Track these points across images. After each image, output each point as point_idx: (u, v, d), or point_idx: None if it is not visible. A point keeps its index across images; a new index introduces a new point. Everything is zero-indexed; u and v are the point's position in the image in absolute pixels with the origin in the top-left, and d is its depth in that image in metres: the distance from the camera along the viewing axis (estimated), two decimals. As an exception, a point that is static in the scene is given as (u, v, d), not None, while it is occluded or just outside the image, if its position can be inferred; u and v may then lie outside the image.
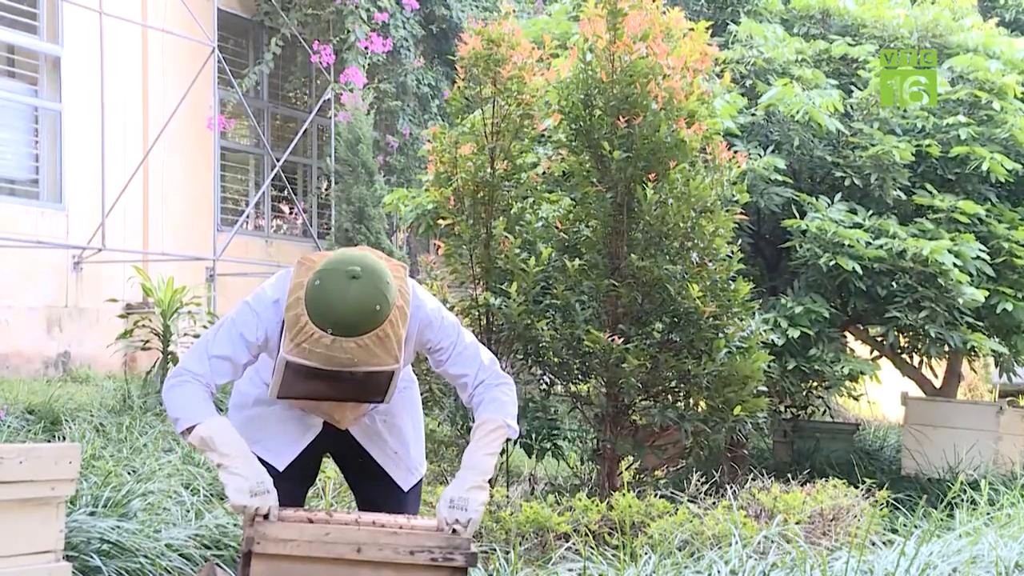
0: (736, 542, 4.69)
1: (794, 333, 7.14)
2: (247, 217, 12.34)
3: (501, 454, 5.28)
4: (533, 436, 6.49)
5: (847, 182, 7.64)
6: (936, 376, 9.67)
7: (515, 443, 6.37)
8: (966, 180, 8.07)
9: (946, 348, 7.69)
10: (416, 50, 12.61)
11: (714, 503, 5.60)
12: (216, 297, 10.57)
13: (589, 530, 5.18)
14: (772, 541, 4.93)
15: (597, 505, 5.33)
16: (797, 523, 5.28)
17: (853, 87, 8.19)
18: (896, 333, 7.85)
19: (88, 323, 10.32)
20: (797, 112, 7.46)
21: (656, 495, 5.56)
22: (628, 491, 5.45)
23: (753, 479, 6.22)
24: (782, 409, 8.47)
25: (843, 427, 9.74)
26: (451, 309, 5.79)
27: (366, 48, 11.65)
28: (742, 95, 7.64)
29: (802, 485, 5.99)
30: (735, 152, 6.22)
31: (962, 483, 5.84)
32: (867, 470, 7.88)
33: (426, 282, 6.20)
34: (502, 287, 5.97)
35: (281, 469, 3.30)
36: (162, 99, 11.03)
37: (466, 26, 8.44)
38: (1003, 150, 7.95)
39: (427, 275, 6.48)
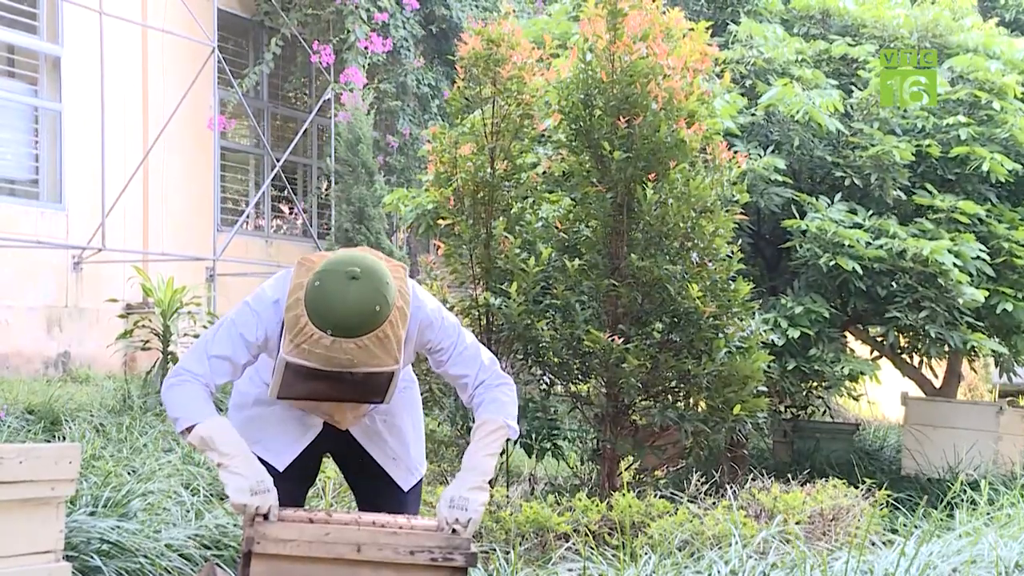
0: (736, 542, 4.69)
1: (794, 333, 7.14)
2: (247, 217, 12.34)
3: (501, 454, 5.26)
4: (533, 436, 6.49)
5: (847, 182, 7.64)
6: (936, 376, 9.67)
7: (515, 443, 6.37)
8: (966, 180, 8.07)
9: (946, 348, 7.69)
10: (416, 50, 12.61)
11: (714, 503, 5.60)
12: (216, 297, 10.57)
13: (589, 530, 5.18)
14: (772, 541, 4.93)
15: (597, 505, 5.33)
16: (797, 523, 5.28)
17: (853, 87, 8.19)
18: (896, 333, 7.85)
19: (88, 323, 10.33)
20: (797, 112, 7.46)
21: (656, 495, 5.56)
22: (628, 491, 5.45)
23: (753, 479, 6.21)
24: (782, 409, 8.47)
25: (843, 427, 9.73)
26: (451, 309, 5.79)
27: (366, 48, 11.65)
28: (742, 95, 7.64)
29: (802, 485, 5.99)
30: (735, 152, 6.22)
31: (962, 483, 5.85)
32: (867, 470, 7.88)
33: (426, 282, 6.19)
34: (502, 287, 5.97)
35: (281, 469, 3.30)
36: (162, 99, 11.04)
37: (466, 26, 8.44)
38: (1003, 150, 7.95)
39: (427, 275, 6.48)
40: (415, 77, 12.53)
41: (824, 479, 6.11)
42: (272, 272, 3.84)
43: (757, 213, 7.72)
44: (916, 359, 8.74)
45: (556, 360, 6.07)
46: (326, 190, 13.09)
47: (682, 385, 5.97)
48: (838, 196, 7.61)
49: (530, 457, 6.69)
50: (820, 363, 7.53)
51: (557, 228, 6.07)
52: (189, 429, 3.08)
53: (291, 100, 13.32)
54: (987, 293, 7.50)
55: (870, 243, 7.29)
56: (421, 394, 3.68)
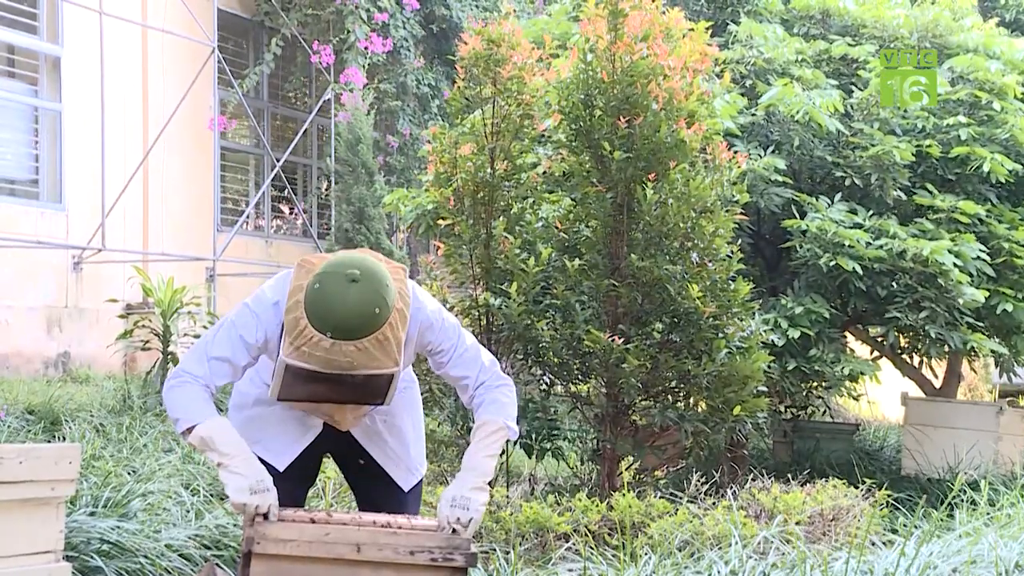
0: (736, 542, 4.69)
1: (794, 333, 7.14)
2: (247, 217, 12.34)
3: (501, 455, 5.27)
4: (533, 436, 6.49)
5: (847, 182, 7.64)
6: (936, 376, 9.67)
7: (515, 443, 6.36)
8: (966, 180, 8.07)
9: (946, 348, 7.68)
10: (416, 50, 12.61)
11: (714, 503, 5.60)
12: (216, 297, 10.57)
13: (589, 530, 5.17)
14: (772, 541, 4.93)
15: (597, 505, 5.33)
16: (797, 523, 5.28)
17: (853, 87, 8.19)
18: (896, 333, 7.85)
19: (88, 323, 10.33)
20: (797, 112, 7.46)
21: (656, 495, 5.56)
22: (628, 491, 5.45)
23: (753, 479, 6.21)
24: (782, 409, 8.47)
25: (843, 427, 9.73)
26: (451, 309, 5.79)
27: (366, 48, 11.65)
28: (742, 95, 7.64)
29: (802, 485, 5.99)
30: (735, 152, 6.22)
31: (962, 483, 5.84)
32: (867, 470, 7.88)
33: (426, 282, 6.19)
34: (502, 287, 5.97)
35: (281, 469, 3.30)
36: (162, 99, 11.04)
37: (466, 26, 8.44)
38: (1003, 150, 7.95)
39: (427, 275, 6.48)
40: (415, 77, 12.53)
41: (824, 479, 6.10)
42: (272, 272, 3.84)
43: (757, 213, 7.72)
44: (916, 359, 8.74)
45: (556, 360, 6.07)
46: (326, 190, 13.09)
47: (682, 385, 5.97)
48: (838, 196, 7.61)
49: (530, 457, 6.69)
50: (820, 363, 7.53)
51: (557, 228, 6.07)
52: (190, 430, 3.08)
53: (291, 100, 13.32)
54: (987, 293, 7.50)
55: (870, 243, 7.29)
56: (421, 394, 3.68)
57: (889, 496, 6.12)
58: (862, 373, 7.85)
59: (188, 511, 5.08)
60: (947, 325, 7.39)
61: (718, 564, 4.48)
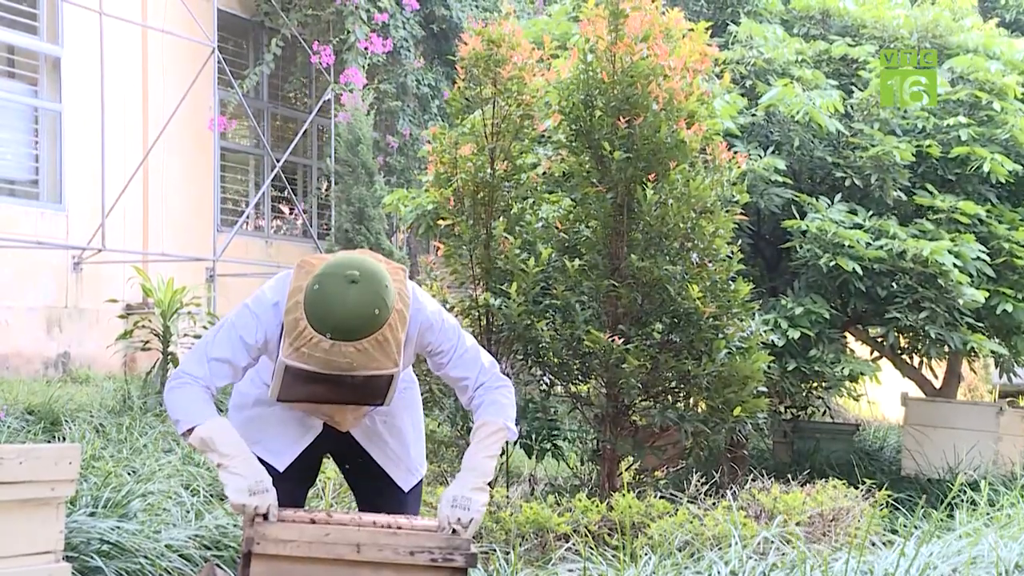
0: (736, 543, 4.69)
1: (794, 334, 7.14)
2: (247, 218, 12.34)
3: (501, 455, 5.27)
4: (533, 437, 6.49)
5: (847, 183, 7.64)
6: (936, 377, 9.67)
7: (515, 444, 6.36)
8: (966, 181, 8.07)
9: (946, 349, 7.68)
10: (416, 50, 12.61)
11: (714, 504, 5.60)
12: (216, 298, 10.57)
13: (589, 531, 5.17)
14: (772, 542, 4.93)
15: (597, 506, 5.33)
16: (797, 524, 5.28)
17: (853, 88, 8.18)
18: (896, 334, 7.85)
19: (88, 324, 10.33)
20: (797, 113, 7.46)
21: (656, 496, 5.56)
22: (628, 492, 5.45)
23: (753, 480, 6.21)
24: (782, 410, 8.46)
25: (843, 428, 9.73)
26: (451, 310, 5.79)
27: (366, 48, 11.65)
28: (742, 95, 7.64)
29: (802, 486, 5.99)
30: (735, 153, 6.22)
31: (962, 484, 5.84)
32: (867, 471, 7.88)
33: (426, 283, 6.19)
34: (502, 288, 5.97)
35: (281, 470, 3.30)
36: (162, 99, 11.04)
37: (466, 26, 8.44)
38: (1003, 151, 7.95)
39: (427, 276, 6.48)
40: (415, 77, 12.53)
41: (824, 480, 6.10)
42: (272, 273, 3.84)
43: (757, 213, 7.72)
44: (916, 360, 8.73)
45: (556, 360, 6.07)
46: (326, 191, 13.09)
47: (682, 386, 5.97)
48: (838, 197, 7.61)
49: (530, 458, 6.69)
50: (820, 364, 7.53)
51: (557, 228, 6.07)
52: (190, 431, 3.08)
53: (291, 100, 13.32)
54: (987, 294, 7.50)
55: (870, 244, 7.28)
56: (421, 395, 3.68)
57: (889, 496, 6.12)
58: (862, 373, 7.85)
59: (188, 512, 5.08)
60: (947, 325, 7.39)
61: (718, 564, 4.48)
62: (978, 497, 5.95)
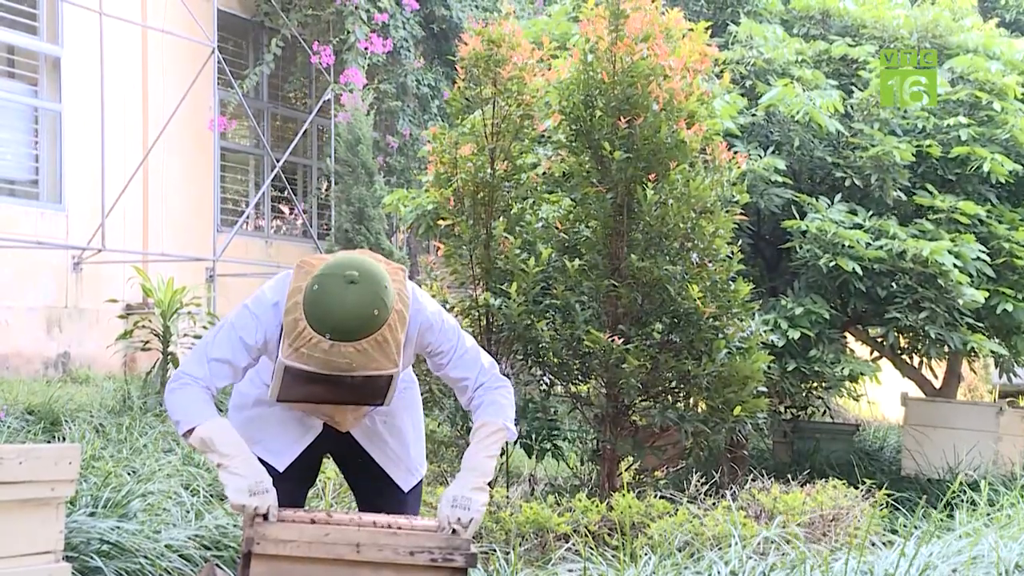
0: (736, 543, 4.69)
1: (794, 334, 7.14)
2: (247, 218, 12.34)
3: (501, 455, 5.28)
4: (533, 437, 6.49)
5: (847, 183, 7.64)
6: (936, 377, 9.67)
7: (515, 444, 6.37)
8: (966, 181, 8.07)
9: (946, 349, 7.68)
10: (416, 50, 12.61)
11: (714, 504, 5.60)
12: (216, 298, 10.58)
13: (589, 531, 5.17)
14: (772, 542, 4.93)
15: (597, 506, 5.33)
16: (797, 524, 5.28)
17: (853, 88, 8.18)
18: (896, 334, 7.85)
19: (88, 324, 10.33)
20: (797, 113, 7.46)
21: (656, 496, 5.56)
22: (628, 492, 5.45)
23: (753, 480, 6.21)
24: (782, 410, 8.46)
25: (843, 428, 9.73)
26: (451, 310, 5.79)
27: (366, 49, 11.65)
28: (742, 96, 7.64)
29: (802, 486, 5.99)
30: (735, 153, 6.22)
31: (962, 484, 5.84)
32: (867, 471, 7.88)
33: (426, 283, 6.19)
34: (502, 288, 5.97)
35: (281, 470, 3.30)
36: (162, 100, 11.04)
37: (466, 26, 8.43)
38: (1003, 151, 7.95)
39: (427, 276, 6.48)
40: (415, 77, 12.53)
41: (824, 480, 6.10)
42: (272, 273, 3.84)
43: (757, 214, 7.72)
44: (916, 360, 8.73)
45: (556, 360, 6.07)
46: (326, 191, 13.09)
47: (682, 386, 5.97)
48: (838, 197, 7.60)
49: (530, 458, 6.69)
50: (820, 364, 7.53)
51: (557, 228, 6.07)
52: (190, 431, 3.08)
53: (291, 101, 13.32)
54: (987, 294, 7.50)
55: (870, 244, 7.28)
56: (421, 395, 3.69)
57: (889, 496, 6.12)
58: (862, 374, 7.86)
59: (188, 512, 5.08)
60: (947, 325, 7.39)
61: (718, 564, 4.47)
62: (978, 497, 5.95)
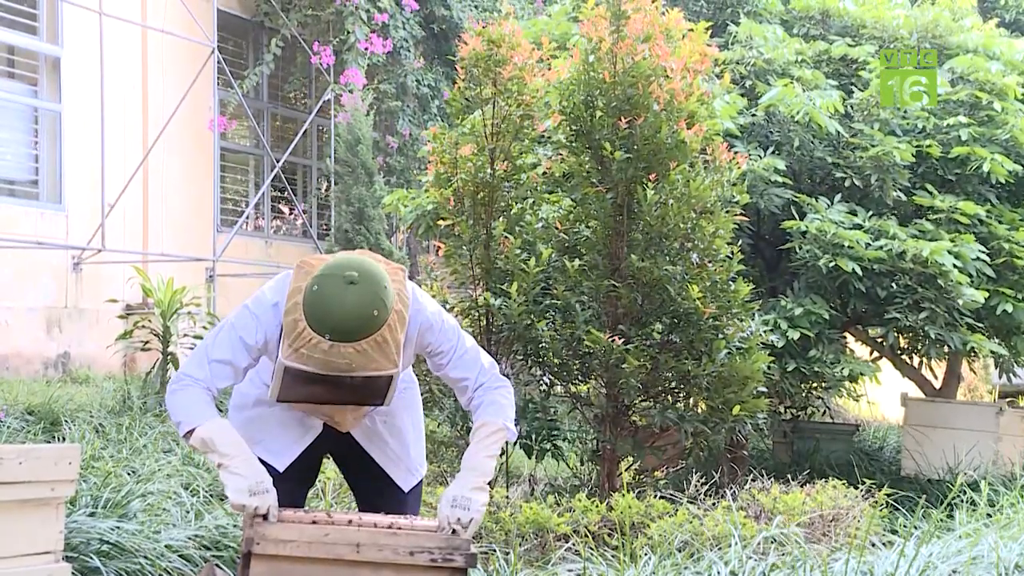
0: (736, 543, 4.69)
1: (794, 334, 7.14)
2: (247, 218, 12.34)
3: (500, 455, 5.28)
4: (533, 437, 6.49)
5: (847, 183, 7.64)
6: (936, 377, 9.67)
7: (515, 444, 6.36)
8: (966, 181, 8.07)
9: (946, 349, 7.68)
10: (416, 51, 12.61)
11: (714, 504, 5.60)
12: (216, 298, 10.57)
13: (589, 531, 5.17)
14: (772, 542, 4.93)
15: (597, 506, 5.33)
16: (797, 524, 5.28)
17: (853, 88, 8.18)
18: (896, 334, 7.85)
19: (88, 324, 10.32)
20: (797, 113, 7.46)
21: (656, 496, 5.55)
22: (628, 492, 5.45)
23: (753, 480, 6.21)
24: (782, 410, 8.46)
25: (843, 428, 9.73)
26: (451, 310, 5.79)
27: (366, 49, 11.65)
28: (742, 96, 7.64)
29: (802, 486, 5.99)
30: (735, 153, 6.22)
31: (962, 484, 5.84)
32: (867, 471, 7.88)
33: (426, 283, 6.19)
34: (502, 288, 5.97)
35: (281, 470, 3.30)
36: (162, 100, 11.04)
37: (466, 27, 8.44)
38: (1004, 151, 7.95)
39: (427, 276, 6.48)
40: (415, 78, 12.53)
41: (824, 480, 6.10)
42: (272, 273, 3.84)
43: (757, 214, 7.72)
44: (916, 360, 8.73)
45: (556, 361, 6.07)
46: (326, 191, 13.09)
47: (682, 386, 5.97)
48: (838, 197, 7.60)
49: (530, 458, 6.69)
50: (820, 364, 7.52)
51: (557, 229, 6.07)
52: (191, 432, 3.08)
53: (291, 101, 13.32)
54: (987, 294, 7.50)
55: (870, 244, 7.28)
56: (421, 395, 3.69)
57: (889, 497, 6.12)
58: (862, 374, 7.85)
59: (188, 512, 5.08)
60: (947, 326, 7.39)
61: (718, 565, 4.47)
62: (978, 497, 5.95)
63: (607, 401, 5.98)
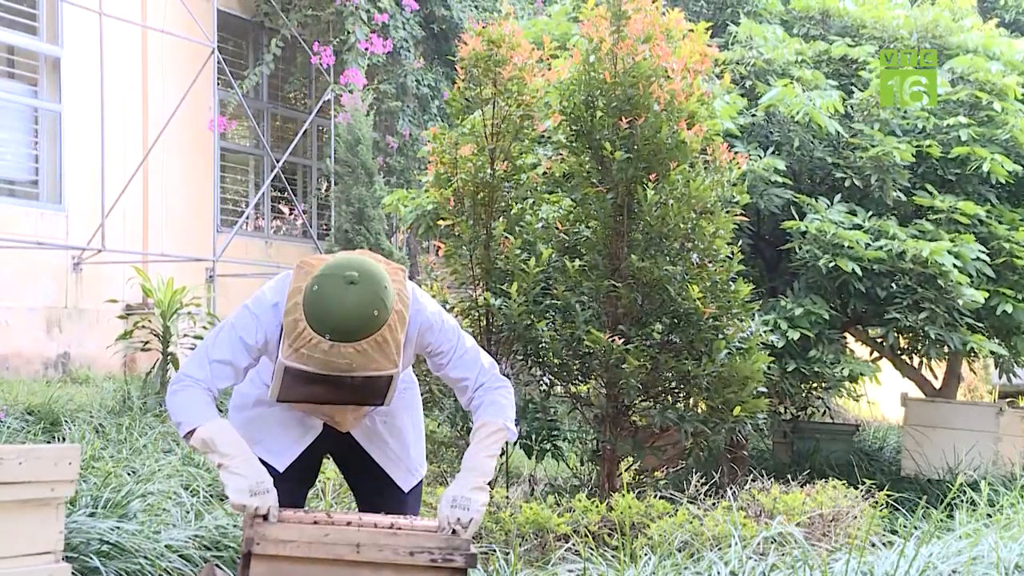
0: (736, 543, 4.69)
1: (794, 334, 7.14)
2: (247, 218, 12.34)
3: (500, 455, 5.28)
4: (533, 437, 6.49)
5: (847, 183, 7.64)
6: (936, 377, 9.67)
7: (515, 444, 6.36)
8: (966, 181, 8.07)
9: (946, 349, 7.68)
10: (416, 51, 12.61)
11: (714, 504, 5.60)
12: (216, 298, 10.58)
13: (589, 531, 5.17)
14: (772, 542, 4.93)
15: (597, 506, 5.33)
16: (797, 524, 5.28)
17: (853, 88, 8.18)
18: (896, 334, 7.85)
19: (88, 324, 10.32)
20: (797, 113, 7.46)
21: (656, 496, 5.55)
22: (628, 492, 5.45)
23: (753, 480, 6.21)
24: (782, 410, 8.46)
25: (843, 428, 9.73)
26: (451, 310, 5.79)
27: (366, 49, 11.65)
28: (742, 96, 7.64)
29: (802, 486, 5.99)
30: (735, 153, 6.22)
31: (962, 484, 5.84)
32: (867, 471, 7.88)
33: (426, 283, 6.19)
34: (502, 288, 5.97)
35: (281, 470, 3.30)
36: (162, 100, 11.04)
37: (466, 27, 8.44)
38: (1003, 151, 7.95)
39: (427, 276, 6.48)
40: (415, 78, 12.53)
41: (824, 480, 6.10)
42: (272, 273, 3.84)
43: (757, 214, 7.72)
44: (916, 360, 8.73)
45: (556, 361, 6.07)
46: (326, 191, 13.09)
47: (682, 386, 5.97)
48: (838, 197, 7.61)
49: (530, 458, 6.69)
50: (820, 364, 7.52)
51: (557, 229, 6.07)
52: (191, 433, 3.08)
53: (291, 101, 13.32)
54: (987, 294, 7.50)
55: (870, 244, 7.28)
56: (421, 395, 3.69)
57: (889, 497, 6.12)
58: (862, 374, 7.85)
59: (188, 512, 5.08)
60: (947, 326, 7.39)
61: (718, 565, 4.47)
62: (978, 497, 5.95)
63: (607, 401, 5.98)
